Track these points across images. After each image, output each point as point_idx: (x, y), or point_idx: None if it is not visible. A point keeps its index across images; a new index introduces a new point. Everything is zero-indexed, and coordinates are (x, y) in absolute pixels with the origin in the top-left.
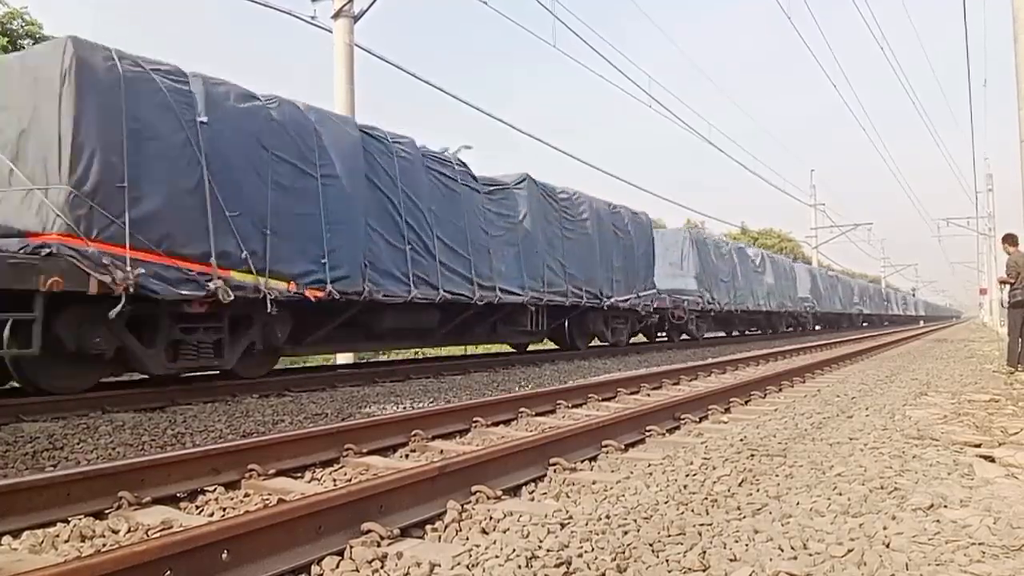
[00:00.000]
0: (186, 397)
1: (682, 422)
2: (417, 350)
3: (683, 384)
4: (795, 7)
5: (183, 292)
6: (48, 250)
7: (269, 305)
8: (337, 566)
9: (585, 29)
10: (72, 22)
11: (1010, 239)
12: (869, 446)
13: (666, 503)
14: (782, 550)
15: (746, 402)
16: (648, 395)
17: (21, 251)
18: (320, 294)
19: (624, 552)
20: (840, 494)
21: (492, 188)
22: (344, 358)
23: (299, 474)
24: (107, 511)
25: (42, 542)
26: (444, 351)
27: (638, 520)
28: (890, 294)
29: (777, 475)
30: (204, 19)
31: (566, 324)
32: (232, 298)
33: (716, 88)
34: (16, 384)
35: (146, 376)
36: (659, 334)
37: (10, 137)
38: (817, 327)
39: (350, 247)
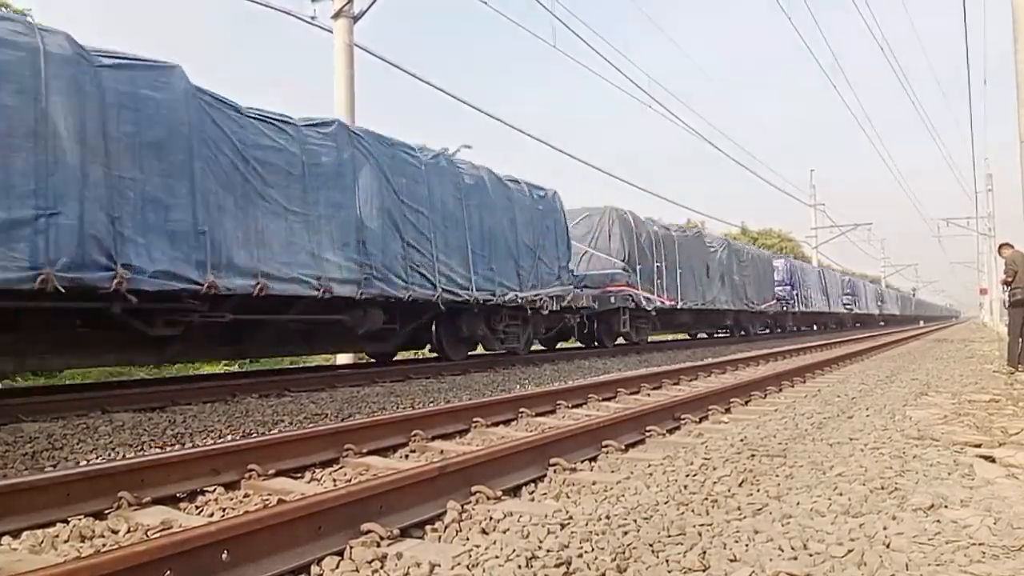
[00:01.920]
0: (186, 397)
1: (682, 422)
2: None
3: (683, 384)
4: (795, 7)
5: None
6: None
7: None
8: (337, 566)
9: (585, 29)
10: (72, 24)
11: (1006, 246)
12: (869, 446)
13: (666, 503)
14: (782, 550)
15: (746, 402)
16: (648, 395)
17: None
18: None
19: (624, 552)
20: (840, 494)
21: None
22: (344, 358)
23: (299, 474)
24: (107, 511)
25: (42, 542)
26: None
27: (638, 520)
28: (808, 274)
29: (777, 475)
30: (205, 20)
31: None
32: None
33: (716, 88)
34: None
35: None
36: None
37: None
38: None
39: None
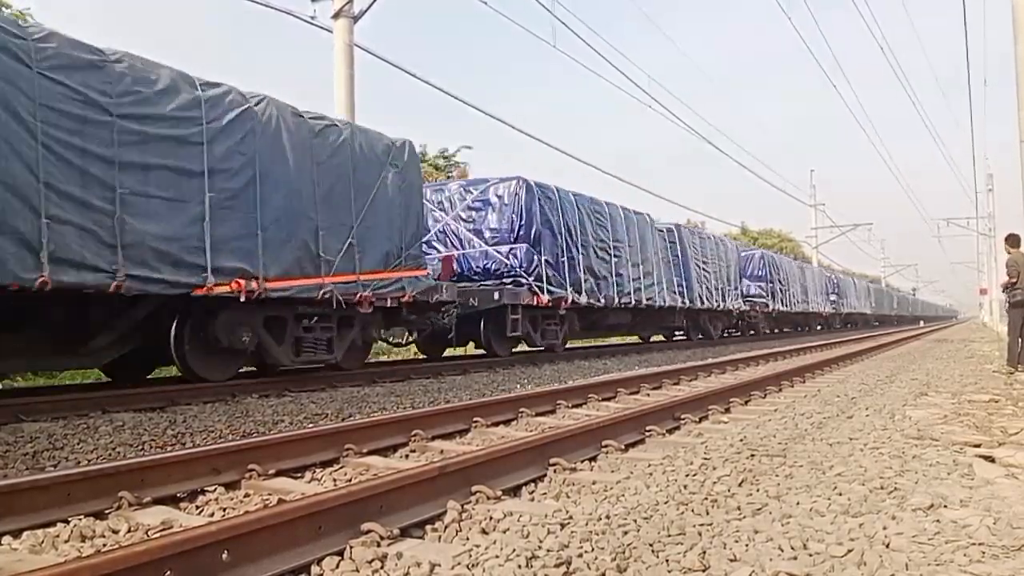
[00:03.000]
0: (186, 397)
1: (682, 422)
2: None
3: (683, 384)
4: (795, 7)
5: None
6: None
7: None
8: (337, 566)
9: (585, 29)
10: (72, 24)
11: (1012, 240)
12: (869, 446)
13: (666, 503)
14: (782, 550)
15: (746, 402)
16: (648, 395)
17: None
18: None
19: (624, 552)
20: (840, 494)
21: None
22: None
23: (299, 474)
24: (107, 511)
25: (42, 542)
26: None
27: (638, 520)
28: (635, 232)
29: (777, 475)
30: (205, 21)
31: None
32: None
33: (716, 88)
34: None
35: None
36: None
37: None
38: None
39: None
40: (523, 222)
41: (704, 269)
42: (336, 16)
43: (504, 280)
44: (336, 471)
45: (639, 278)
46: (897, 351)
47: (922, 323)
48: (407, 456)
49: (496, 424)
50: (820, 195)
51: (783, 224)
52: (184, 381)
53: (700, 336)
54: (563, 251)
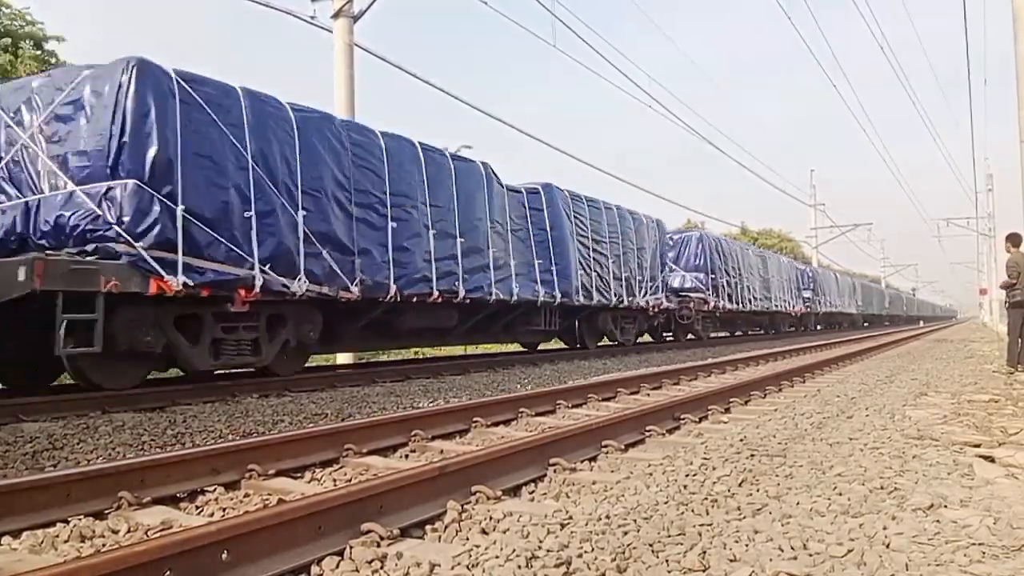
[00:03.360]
0: (186, 397)
1: (682, 422)
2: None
3: (683, 384)
4: (795, 7)
5: None
6: None
7: None
8: (337, 566)
9: (585, 28)
10: (72, 24)
11: (1012, 239)
12: (869, 446)
13: (666, 503)
14: (782, 550)
15: (746, 402)
16: (648, 395)
17: None
18: None
19: (624, 552)
20: (840, 494)
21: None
22: (344, 358)
23: (299, 474)
24: (107, 511)
25: (42, 542)
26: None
27: (638, 520)
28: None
29: (777, 475)
30: (205, 21)
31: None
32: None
33: (716, 88)
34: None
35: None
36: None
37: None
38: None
39: None
40: (128, 139)
41: (596, 251)
42: (336, 16)
43: (86, 247)
44: (336, 471)
45: (455, 256)
46: (896, 351)
47: (922, 323)
48: (407, 456)
49: (496, 424)
50: (820, 195)
51: (783, 224)
52: (185, 380)
53: (604, 343)
54: (249, 200)
